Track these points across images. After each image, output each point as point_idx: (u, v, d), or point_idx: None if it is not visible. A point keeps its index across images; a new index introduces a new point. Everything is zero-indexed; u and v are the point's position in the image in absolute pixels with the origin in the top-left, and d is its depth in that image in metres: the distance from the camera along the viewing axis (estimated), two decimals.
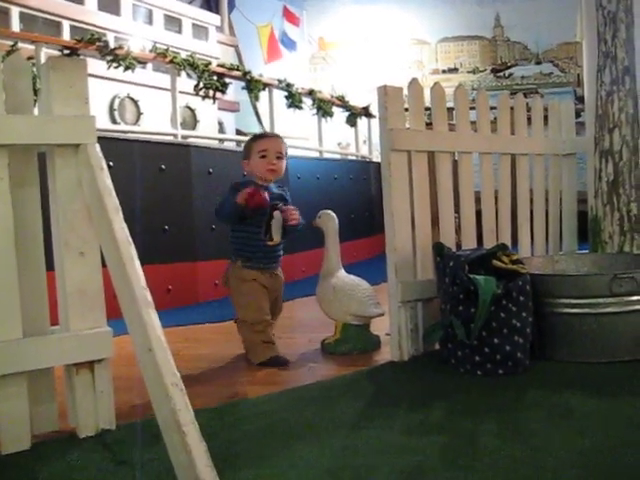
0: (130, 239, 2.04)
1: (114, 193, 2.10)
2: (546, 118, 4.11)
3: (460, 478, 1.83)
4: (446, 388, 2.69)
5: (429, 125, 3.36)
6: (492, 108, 3.80)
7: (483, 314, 2.75)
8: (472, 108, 3.58)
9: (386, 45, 12.08)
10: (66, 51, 5.04)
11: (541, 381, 2.73)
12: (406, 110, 3.20)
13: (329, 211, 3.57)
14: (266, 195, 3.00)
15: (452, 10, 11.89)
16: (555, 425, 2.22)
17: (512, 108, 3.83)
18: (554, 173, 4.15)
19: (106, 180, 2.10)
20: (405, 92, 3.21)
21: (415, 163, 3.21)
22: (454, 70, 12.19)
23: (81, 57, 5.20)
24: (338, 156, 8.60)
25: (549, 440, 2.09)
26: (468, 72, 12.18)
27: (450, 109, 3.40)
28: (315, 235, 3.62)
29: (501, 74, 12.23)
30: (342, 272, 3.52)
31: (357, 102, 8.50)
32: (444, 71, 12.20)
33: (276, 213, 3.13)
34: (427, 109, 3.36)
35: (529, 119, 3.93)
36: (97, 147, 2.18)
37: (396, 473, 1.86)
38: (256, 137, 3.27)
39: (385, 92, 3.08)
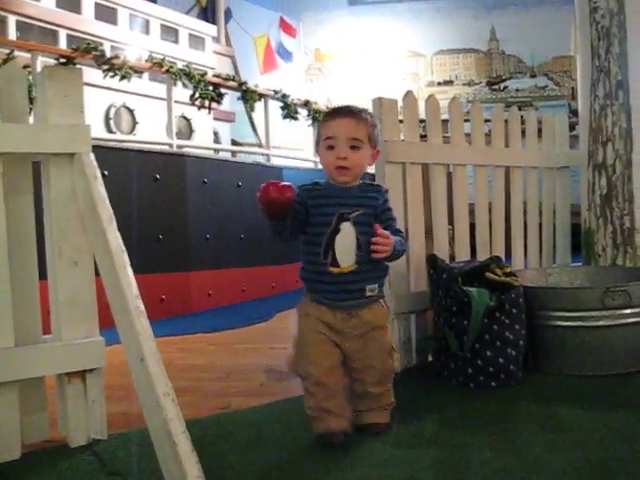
0: (123, 248, 2.04)
1: (108, 202, 2.10)
2: (540, 131, 4.14)
3: None
4: (438, 401, 2.69)
5: (424, 137, 3.37)
6: (487, 120, 3.83)
7: (476, 326, 2.75)
8: (467, 120, 3.60)
9: (382, 57, 12.14)
10: (62, 60, 5.04)
11: (534, 394, 2.73)
12: (401, 122, 3.22)
13: None
14: (284, 189, 1.95)
15: (448, 23, 11.96)
16: (547, 438, 2.22)
17: (506, 121, 3.85)
18: (548, 186, 4.17)
19: (100, 189, 2.10)
20: (400, 104, 3.22)
21: (409, 175, 3.21)
22: (449, 82, 12.26)
23: (77, 66, 5.22)
24: None
25: (541, 453, 2.09)
26: (463, 84, 12.25)
27: (445, 121, 3.42)
28: None
29: (496, 87, 12.30)
30: None
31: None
32: (439, 83, 12.27)
33: (345, 226, 2.05)
34: (422, 121, 3.38)
35: (523, 132, 3.95)
36: (92, 156, 2.18)
37: None
38: (326, 115, 2.18)
39: (380, 104, 3.09)
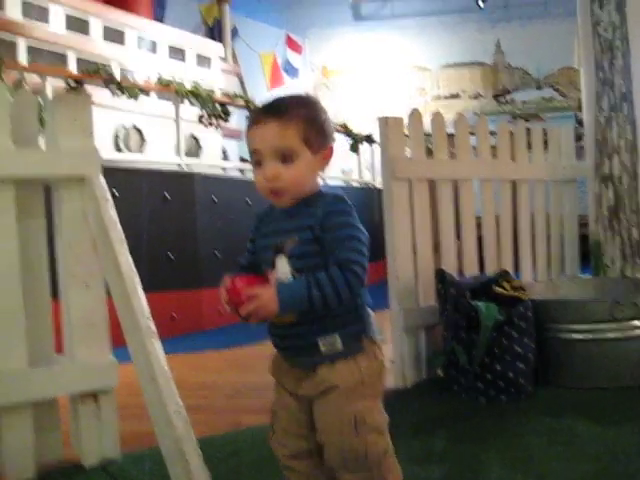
0: (135, 270, 2.07)
1: (119, 225, 2.13)
2: (546, 143, 4.15)
3: None
4: (449, 415, 2.70)
5: (430, 153, 3.40)
6: (493, 133, 3.84)
7: (485, 341, 2.76)
8: (473, 134, 3.62)
9: (388, 72, 12.21)
10: (72, 82, 5.11)
11: (544, 407, 2.74)
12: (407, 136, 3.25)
13: None
14: (240, 286, 1.43)
15: (453, 37, 12.02)
16: (557, 451, 2.23)
17: (512, 134, 3.87)
18: (555, 198, 4.18)
19: (111, 212, 2.14)
20: (406, 121, 3.25)
21: (416, 191, 3.24)
22: (456, 96, 12.31)
23: (86, 88, 5.29)
24: (341, 183, 8.65)
25: (551, 467, 2.10)
26: (470, 98, 12.30)
27: (451, 135, 3.45)
28: None
29: (502, 99, 12.33)
30: None
31: (360, 129, 8.58)
32: (446, 97, 12.32)
33: (280, 261, 1.46)
34: (428, 135, 3.40)
35: (529, 144, 3.97)
36: (102, 179, 2.22)
37: None
38: (248, 121, 1.54)
39: (386, 122, 3.12)
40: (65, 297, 2.27)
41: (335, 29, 12.24)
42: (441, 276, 3.06)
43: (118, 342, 2.23)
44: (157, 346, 1.93)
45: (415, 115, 3.30)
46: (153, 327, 1.97)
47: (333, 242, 1.42)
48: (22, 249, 2.17)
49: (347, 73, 12.49)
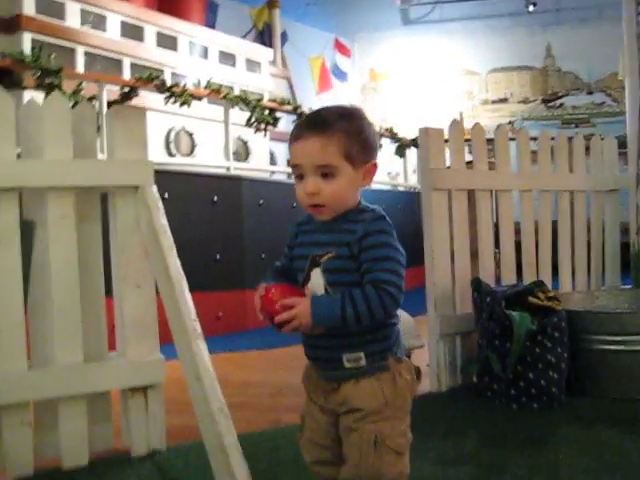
0: (182, 274, 2.21)
1: (169, 231, 2.28)
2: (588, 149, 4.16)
3: None
4: (480, 420, 2.78)
5: (469, 163, 3.47)
6: (535, 139, 3.88)
7: (518, 349, 2.84)
8: (512, 139, 3.68)
9: (436, 75, 12.23)
10: (126, 89, 5.33)
11: (575, 416, 2.79)
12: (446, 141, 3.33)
13: None
14: (276, 296, 1.47)
15: (502, 41, 11.96)
16: (584, 461, 2.29)
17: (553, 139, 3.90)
18: (596, 208, 4.20)
19: (162, 219, 2.29)
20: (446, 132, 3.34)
21: (455, 201, 3.32)
22: (504, 100, 12.24)
23: (140, 93, 5.50)
24: (387, 187, 8.74)
25: (576, 476, 2.17)
26: (518, 102, 12.21)
27: (491, 140, 3.50)
28: None
29: (552, 104, 12.22)
30: None
31: (407, 132, 8.64)
32: (494, 101, 12.26)
33: (315, 274, 1.51)
34: (468, 140, 3.47)
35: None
36: (154, 188, 2.37)
37: None
38: (291, 133, 1.55)
39: (426, 133, 3.21)
40: (118, 297, 2.43)
41: (384, 33, 12.30)
42: (477, 285, 3.13)
43: (166, 339, 2.38)
44: (202, 347, 2.07)
45: (455, 126, 3.38)
46: (199, 329, 2.11)
47: (370, 261, 1.43)
48: (80, 252, 2.34)
49: (395, 76, 12.54)
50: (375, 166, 1.54)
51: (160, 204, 2.33)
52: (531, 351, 2.88)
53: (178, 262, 2.21)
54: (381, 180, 8.78)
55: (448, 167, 3.35)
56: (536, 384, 2.88)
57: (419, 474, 2.17)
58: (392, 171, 10.53)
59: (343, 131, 1.47)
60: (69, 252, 2.30)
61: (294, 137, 1.50)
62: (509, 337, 2.87)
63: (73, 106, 2.43)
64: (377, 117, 12.21)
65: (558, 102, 12.23)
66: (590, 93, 12.14)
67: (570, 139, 4.04)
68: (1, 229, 2.20)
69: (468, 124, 12.03)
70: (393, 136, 8.18)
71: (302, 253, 1.54)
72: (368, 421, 1.47)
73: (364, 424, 1.47)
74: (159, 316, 2.41)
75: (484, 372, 3.03)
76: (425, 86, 12.22)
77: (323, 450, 1.57)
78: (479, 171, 3.45)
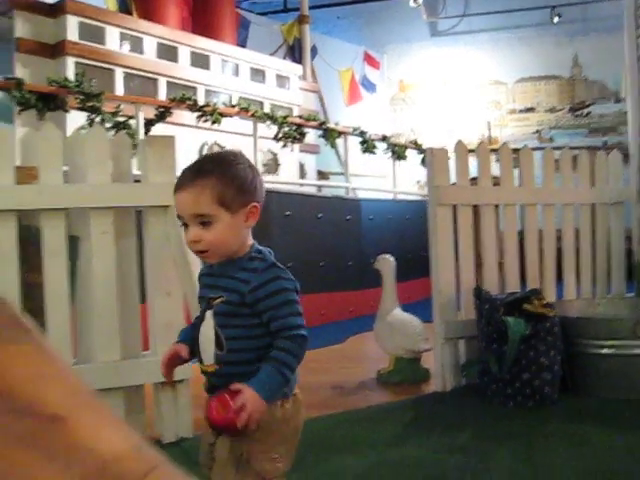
0: None
1: None
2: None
3: None
4: (478, 416, 3.05)
5: (474, 180, 3.74)
6: (558, 148, 4.13)
7: (513, 352, 3.10)
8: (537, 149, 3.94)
9: (464, 86, 12.45)
10: (161, 109, 5.71)
11: (566, 414, 3.05)
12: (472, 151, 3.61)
13: (387, 255, 4.00)
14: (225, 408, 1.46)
15: (529, 51, 12.14)
16: (567, 451, 2.55)
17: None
18: (601, 221, 4.42)
19: None
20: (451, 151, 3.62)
21: (460, 215, 3.59)
22: (531, 110, 12.40)
23: (174, 111, 5.87)
24: (412, 197, 8.99)
25: (556, 463, 2.43)
26: (545, 111, 12.36)
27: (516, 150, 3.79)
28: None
29: (579, 113, 12.34)
30: (397, 310, 3.93)
31: (435, 142, 8.87)
32: (521, 111, 12.43)
33: (208, 315, 1.56)
34: (494, 150, 3.74)
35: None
36: None
37: None
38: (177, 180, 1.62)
39: (432, 153, 3.50)
40: (151, 303, 2.76)
41: (412, 45, 12.57)
42: (478, 292, 3.40)
43: None
44: None
45: (460, 146, 3.66)
46: None
47: (272, 309, 1.49)
48: (118, 263, 2.68)
49: (424, 87, 12.79)
50: (256, 207, 1.55)
51: None
52: (526, 354, 3.14)
53: None
54: (408, 190, 9.05)
55: (453, 184, 3.63)
56: (531, 384, 3.14)
57: (414, 460, 2.48)
58: (421, 179, 10.78)
59: (216, 179, 1.50)
60: (109, 263, 2.65)
61: (175, 188, 1.55)
62: (505, 341, 3.13)
63: (113, 127, 2.78)
64: (406, 128, 12.49)
65: (585, 111, 12.35)
66: (618, 101, 12.23)
67: (575, 157, 4.26)
68: (52, 243, 2.55)
69: (496, 133, 12.15)
70: (418, 147, 8.45)
71: (202, 294, 1.60)
72: (238, 439, 1.49)
73: (235, 441, 1.51)
74: (186, 320, 2.73)
75: (484, 373, 3.30)
76: (453, 96, 12.44)
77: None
78: (483, 187, 3.72)
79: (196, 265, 2.53)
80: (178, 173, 2.81)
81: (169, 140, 2.79)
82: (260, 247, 1.58)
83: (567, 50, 12.27)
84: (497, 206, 3.81)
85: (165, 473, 0.48)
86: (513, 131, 12.25)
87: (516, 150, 3.95)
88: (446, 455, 2.53)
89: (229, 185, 1.51)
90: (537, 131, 12.18)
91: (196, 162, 1.60)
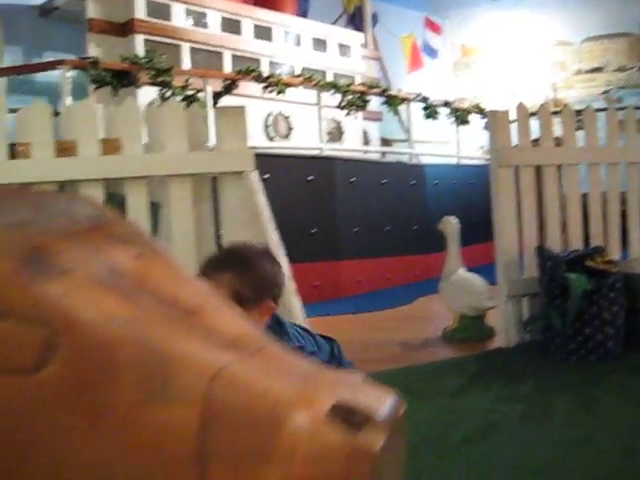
0: (279, 242, 2.71)
1: (267, 209, 2.77)
2: None
3: (527, 433, 2.34)
4: (540, 369, 3.16)
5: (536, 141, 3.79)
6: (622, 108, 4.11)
7: (575, 307, 3.18)
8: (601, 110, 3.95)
9: (528, 48, 12.22)
10: (227, 82, 5.89)
11: (628, 368, 3.12)
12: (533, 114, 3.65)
13: (450, 217, 4.11)
14: None
15: (596, 9, 11.81)
16: (623, 402, 2.63)
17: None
18: None
19: (261, 199, 2.79)
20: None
21: (522, 176, 3.66)
22: (598, 70, 12.09)
23: (240, 85, 6.05)
24: (476, 161, 8.97)
25: (618, 416, 2.52)
26: (614, 71, 12.04)
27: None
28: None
29: None
30: (461, 270, 4.04)
31: (498, 107, 8.80)
32: (587, 71, 12.14)
33: None
34: (556, 113, 3.77)
35: None
36: (255, 173, 2.87)
37: (476, 426, 2.40)
38: None
39: (493, 115, 3.57)
40: None
41: (474, 9, 12.38)
42: (540, 251, 3.48)
43: None
44: (296, 302, 2.56)
45: (521, 108, 3.71)
46: (293, 287, 2.59)
47: None
48: (196, 226, 2.87)
49: (487, 51, 12.62)
50: (269, 309, 1.54)
51: (260, 186, 2.82)
52: (588, 309, 3.21)
53: (276, 232, 2.71)
54: (472, 155, 9.03)
55: (515, 145, 3.69)
56: (593, 338, 3.21)
57: (475, 408, 2.62)
58: (484, 145, 10.71)
59: (232, 276, 1.49)
60: (188, 226, 2.84)
61: (199, 275, 1.53)
62: (568, 297, 3.21)
63: (183, 99, 2.95)
64: (469, 93, 12.36)
65: None
66: None
67: None
68: (135, 209, 2.76)
69: (561, 95, 11.87)
70: (480, 111, 8.41)
71: None
72: None
73: None
74: None
75: (547, 328, 3.39)
76: (517, 59, 12.24)
77: None
78: (545, 148, 3.77)
79: (270, 224, 2.71)
80: (251, 134, 3.01)
81: (240, 110, 2.94)
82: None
83: (636, 5, 11.88)
84: (560, 167, 3.85)
85: (275, 348, 0.63)
86: (579, 92, 11.98)
87: (579, 112, 3.96)
88: (508, 404, 2.65)
89: (245, 283, 1.49)
90: (605, 91, 11.88)
91: (217, 255, 1.64)
